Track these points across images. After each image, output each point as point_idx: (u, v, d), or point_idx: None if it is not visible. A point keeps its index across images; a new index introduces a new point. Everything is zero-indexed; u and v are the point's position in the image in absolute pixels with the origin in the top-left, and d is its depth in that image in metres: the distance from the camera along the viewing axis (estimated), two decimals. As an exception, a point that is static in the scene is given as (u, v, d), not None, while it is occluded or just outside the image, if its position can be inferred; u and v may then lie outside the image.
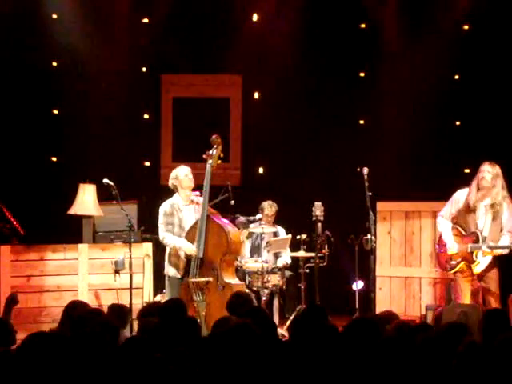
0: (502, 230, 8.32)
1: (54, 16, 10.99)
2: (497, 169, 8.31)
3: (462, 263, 8.37)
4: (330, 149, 11.21)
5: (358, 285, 9.46)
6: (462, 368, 4.04)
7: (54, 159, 11.35)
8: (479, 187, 8.29)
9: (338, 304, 9.68)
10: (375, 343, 4.34)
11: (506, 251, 8.23)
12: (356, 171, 9.37)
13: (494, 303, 8.23)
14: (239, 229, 9.47)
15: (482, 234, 8.26)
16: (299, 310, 9.26)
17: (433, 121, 10.76)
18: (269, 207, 10.00)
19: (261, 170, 11.67)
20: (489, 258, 8.30)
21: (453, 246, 8.40)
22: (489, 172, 8.27)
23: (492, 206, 8.31)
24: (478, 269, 8.33)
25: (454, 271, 8.49)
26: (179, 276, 8.52)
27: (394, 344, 4.30)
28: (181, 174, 8.63)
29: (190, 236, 8.49)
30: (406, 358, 4.24)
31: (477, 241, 8.28)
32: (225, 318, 5.49)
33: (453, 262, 8.43)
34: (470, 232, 8.36)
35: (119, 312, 6.46)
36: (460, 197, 8.49)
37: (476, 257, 8.28)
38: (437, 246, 8.80)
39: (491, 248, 8.22)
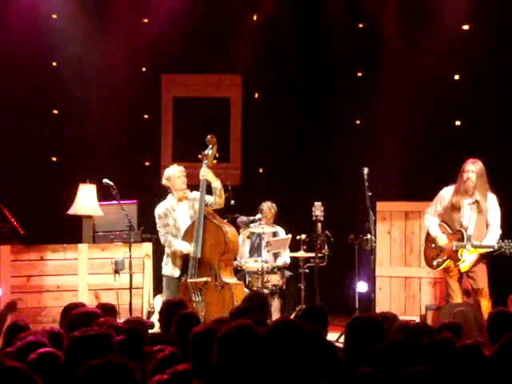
0: (487, 226, 8.35)
1: (54, 16, 11.00)
2: (480, 167, 8.34)
3: (448, 261, 8.41)
4: (330, 149, 11.22)
5: (362, 286, 9.45)
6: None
7: (54, 159, 11.35)
8: (464, 187, 8.33)
9: (338, 304, 9.67)
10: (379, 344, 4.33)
11: (491, 249, 8.25)
12: (355, 171, 9.36)
13: (483, 300, 8.22)
14: (240, 228, 9.48)
15: (466, 232, 8.30)
16: (299, 309, 9.26)
17: (433, 121, 10.76)
18: (268, 209, 10.01)
19: (261, 170, 11.68)
20: (474, 256, 8.33)
21: (443, 238, 8.44)
22: (473, 172, 8.32)
23: (475, 203, 8.34)
24: (463, 266, 8.37)
25: (440, 268, 8.53)
26: (176, 276, 8.52)
27: (397, 346, 4.30)
28: (173, 176, 8.62)
29: (187, 236, 8.48)
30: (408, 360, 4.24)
31: (462, 239, 8.33)
32: (222, 319, 5.49)
33: (439, 260, 8.49)
34: (456, 230, 8.41)
35: (109, 310, 6.44)
36: (445, 194, 8.55)
37: (461, 255, 8.32)
38: (423, 244, 8.84)
39: (475, 247, 8.25)
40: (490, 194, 8.41)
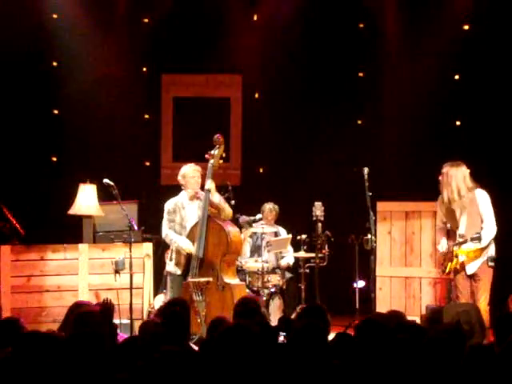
0: (482, 222, 8.34)
1: (54, 16, 11.00)
2: (449, 167, 8.35)
3: (449, 263, 8.41)
4: (330, 149, 11.22)
5: (359, 283, 9.45)
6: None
7: (54, 159, 11.36)
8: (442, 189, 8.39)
9: (338, 304, 9.66)
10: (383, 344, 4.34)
11: (481, 242, 8.21)
12: (356, 171, 9.37)
13: (480, 303, 8.20)
14: (242, 228, 9.48)
15: (458, 231, 8.32)
16: (299, 309, 9.25)
17: (433, 121, 10.77)
18: (269, 211, 10.02)
19: (261, 170, 11.68)
20: (482, 259, 8.31)
21: (441, 247, 8.48)
22: (442, 173, 8.38)
23: (459, 201, 8.31)
24: (470, 269, 8.33)
25: (447, 271, 8.54)
26: (178, 273, 8.53)
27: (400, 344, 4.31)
28: (188, 175, 8.64)
29: (191, 235, 8.49)
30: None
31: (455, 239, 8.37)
32: (219, 318, 5.50)
33: (445, 263, 8.51)
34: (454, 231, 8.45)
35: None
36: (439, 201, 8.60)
37: (456, 256, 8.31)
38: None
39: (457, 244, 8.24)
40: (479, 190, 8.36)
